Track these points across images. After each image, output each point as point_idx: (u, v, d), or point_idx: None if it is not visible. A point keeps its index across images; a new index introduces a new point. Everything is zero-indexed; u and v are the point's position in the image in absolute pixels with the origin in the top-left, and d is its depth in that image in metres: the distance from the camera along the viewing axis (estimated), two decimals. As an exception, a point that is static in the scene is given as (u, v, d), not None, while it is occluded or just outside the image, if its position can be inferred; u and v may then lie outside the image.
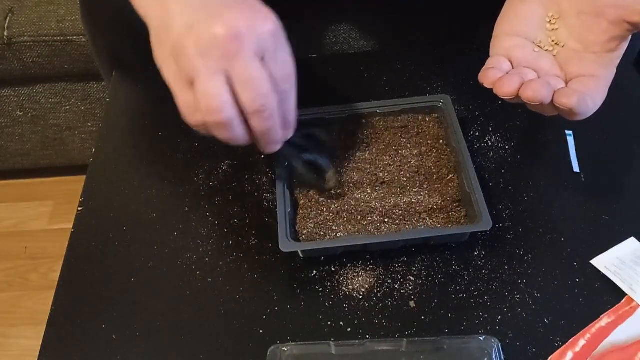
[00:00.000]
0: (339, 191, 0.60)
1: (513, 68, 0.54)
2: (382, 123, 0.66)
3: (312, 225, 0.57)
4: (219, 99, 0.47)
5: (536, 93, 0.49)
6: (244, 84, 0.47)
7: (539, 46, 0.54)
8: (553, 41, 0.54)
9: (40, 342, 0.53)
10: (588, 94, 0.50)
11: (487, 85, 0.52)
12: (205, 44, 0.46)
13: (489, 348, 0.49)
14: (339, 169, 0.61)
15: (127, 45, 0.78)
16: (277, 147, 0.53)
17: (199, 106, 0.48)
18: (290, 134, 0.53)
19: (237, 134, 0.50)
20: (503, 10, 0.56)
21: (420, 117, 0.66)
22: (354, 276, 0.56)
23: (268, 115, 0.49)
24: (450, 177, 0.60)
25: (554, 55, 0.54)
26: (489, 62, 0.54)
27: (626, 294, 0.53)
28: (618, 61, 0.52)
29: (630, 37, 0.52)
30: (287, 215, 0.56)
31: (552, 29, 0.54)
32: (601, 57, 0.52)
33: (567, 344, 0.50)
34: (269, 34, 0.48)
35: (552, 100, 0.49)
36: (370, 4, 0.82)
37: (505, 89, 0.50)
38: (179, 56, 0.48)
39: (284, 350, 0.50)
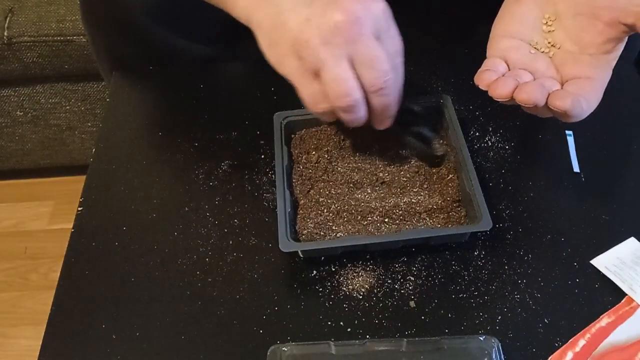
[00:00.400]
0: (339, 191, 0.60)
1: (509, 70, 0.54)
2: (382, 123, 0.65)
3: (312, 225, 0.57)
4: (348, 83, 0.50)
5: (530, 96, 0.49)
6: (367, 64, 0.50)
7: (535, 47, 0.54)
8: (549, 42, 0.54)
9: (40, 342, 0.53)
10: (583, 96, 0.50)
11: (482, 87, 0.52)
12: (327, 33, 0.48)
13: (489, 348, 0.49)
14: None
15: (127, 45, 0.78)
16: (391, 122, 0.56)
17: (328, 93, 0.50)
18: (398, 107, 0.55)
19: (362, 114, 0.52)
20: (500, 12, 0.56)
21: (420, 117, 0.66)
22: (354, 276, 0.56)
23: (389, 91, 0.52)
24: (450, 177, 0.60)
25: (550, 57, 0.54)
26: (485, 64, 0.55)
27: (626, 294, 0.53)
28: (614, 63, 0.52)
29: (626, 39, 0.52)
30: (287, 215, 0.56)
31: (548, 31, 0.55)
32: (597, 59, 0.52)
33: (567, 344, 0.50)
34: (382, 12, 0.50)
35: (546, 103, 0.49)
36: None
37: (500, 92, 0.51)
38: (302, 50, 0.49)
39: (284, 350, 0.50)
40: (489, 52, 0.56)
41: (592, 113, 0.52)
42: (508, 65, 0.54)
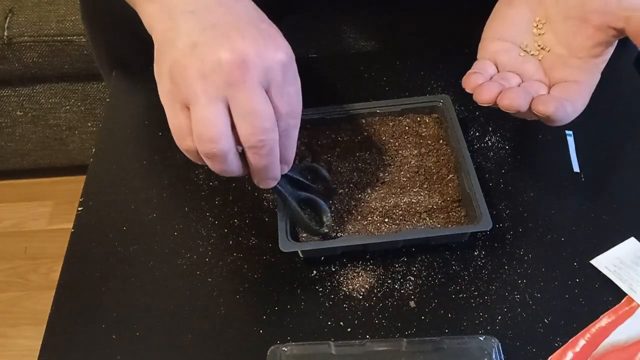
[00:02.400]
0: (340, 191, 0.60)
1: (498, 72, 0.54)
2: (382, 123, 0.66)
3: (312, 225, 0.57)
4: (215, 128, 0.44)
5: (513, 102, 0.49)
6: (244, 115, 0.44)
7: (524, 50, 0.55)
8: (539, 46, 0.55)
9: (40, 342, 0.53)
10: (569, 100, 0.50)
11: (468, 90, 0.52)
12: (207, 67, 0.43)
13: (489, 348, 0.49)
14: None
15: (127, 45, 0.78)
16: (273, 184, 0.51)
17: (193, 132, 0.45)
18: (286, 169, 0.50)
19: (232, 168, 0.47)
20: (492, 14, 0.57)
21: (420, 117, 0.66)
22: (354, 276, 0.56)
23: (267, 151, 0.46)
24: (450, 177, 0.60)
25: (540, 60, 0.54)
26: (474, 66, 0.55)
27: (626, 294, 0.53)
28: (603, 66, 0.53)
29: (615, 43, 0.52)
30: (287, 215, 0.56)
31: (539, 34, 0.55)
32: (586, 63, 0.52)
33: (567, 344, 0.50)
34: (279, 64, 0.45)
35: (530, 108, 0.50)
36: (370, 4, 0.82)
37: (484, 97, 0.50)
38: (177, 76, 0.44)
39: (284, 350, 0.50)
40: (480, 54, 0.56)
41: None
42: (497, 68, 0.54)
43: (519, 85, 0.53)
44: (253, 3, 0.49)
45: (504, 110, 0.50)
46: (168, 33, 0.46)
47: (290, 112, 0.46)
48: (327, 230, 0.55)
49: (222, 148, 0.45)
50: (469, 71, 0.54)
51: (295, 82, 0.47)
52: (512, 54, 0.55)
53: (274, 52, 0.45)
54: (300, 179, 0.56)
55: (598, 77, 0.53)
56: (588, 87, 0.52)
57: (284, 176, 0.52)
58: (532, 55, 0.54)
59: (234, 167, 0.47)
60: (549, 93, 0.52)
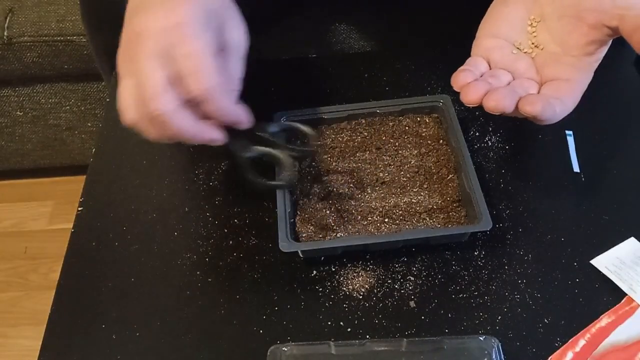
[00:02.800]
0: (340, 191, 0.60)
1: (490, 69, 0.54)
2: (382, 123, 0.66)
3: (312, 225, 0.57)
4: (125, 101, 0.47)
5: (498, 103, 0.49)
6: (137, 84, 0.46)
7: (518, 48, 0.55)
8: (533, 44, 0.55)
9: (40, 342, 0.53)
10: (558, 99, 0.50)
11: (455, 89, 0.52)
12: (121, 48, 0.48)
13: (489, 348, 0.49)
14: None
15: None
16: (216, 141, 0.50)
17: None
18: (244, 125, 0.50)
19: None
20: (487, 12, 0.57)
21: (420, 117, 0.66)
22: (354, 276, 0.56)
23: (166, 118, 0.46)
24: (450, 177, 0.60)
25: (533, 58, 0.54)
26: (466, 63, 0.55)
27: (626, 294, 0.53)
28: (595, 65, 0.53)
29: (609, 42, 0.52)
30: (287, 215, 0.56)
31: (533, 32, 0.55)
32: (579, 61, 0.52)
33: (567, 344, 0.50)
34: (171, 27, 0.45)
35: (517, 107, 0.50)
36: (370, 4, 0.82)
37: (470, 97, 0.50)
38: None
39: (284, 350, 0.50)
40: (473, 51, 0.56)
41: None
42: (490, 65, 0.54)
43: (508, 84, 0.53)
44: None
45: (490, 112, 0.50)
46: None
47: (197, 73, 0.45)
48: (283, 183, 0.54)
49: (132, 118, 0.48)
50: (460, 68, 0.54)
51: (198, 39, 0.45)
52: (505, 51, 0.54)
53: (165, 18, 0.45)
54: (265, 135, 0.54)
55: (590, 76, 0.53)
56: (580, 85, 0.52)
57: (243, 133, 0.51)
58: (525, 53, 0.54)
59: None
60: (539, 92, 0.52)
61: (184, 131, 0.47)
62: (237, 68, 0.50)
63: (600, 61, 0.53)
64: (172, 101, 0.45)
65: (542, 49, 0.54)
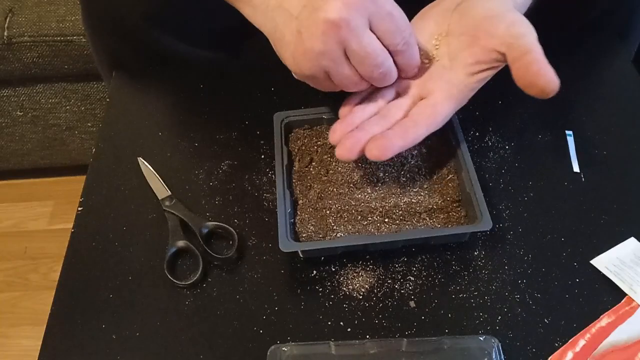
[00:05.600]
0: (340, 191, 0.60)
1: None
2: (382, 123, 0.66)
3: (312, 225, 0.57)
4: (352, 79, 0.54)
5: (341, 154, 0.55)
6: (359, 61, 0.52)
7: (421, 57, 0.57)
8: (432, 56, 0.58)
9: (40, 342, 0.53)
10: (409, 130, 0.55)
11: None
12: (319, 43, 0.51)
13: (489, 348, 0.49)
14: (335, 169, 0.61)
15: (127, 48, 0.78)
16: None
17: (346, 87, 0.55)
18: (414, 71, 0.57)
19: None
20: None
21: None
22: (354, 276, 0.56)
23: (387, 77, 0.54)
24: (450, 177, 0.60)
25: (426, 68, 0.58)
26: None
27: (626, 294, 0.53)
28: (474, 89, 0.56)
29: (493, 73, 0.55)
30: (287, 215, 0.56)
31: (436, 45, 0.58)
32: (460, 77, 0.55)
33: (567, 344, 0.50)
34: (365, 0, 0.50)
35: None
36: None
37: (330, 139, 0.57)
38: (302, 60, 0.53)
39: (284, 350, 0.50)
40: None
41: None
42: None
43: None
44: None
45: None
46: (275, 34, 0.54)
47: (396, 28, 0.52)
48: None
49: (362, 87, 0.55)
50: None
51: (390, 1, 0.52)
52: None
53: None
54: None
55: (465, 99, 0.57)
56: (447, 106, 0.56)
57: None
58: (422, 62, 0.57)
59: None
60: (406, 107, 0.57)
61: (390, 80, 0.55)
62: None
63: (477, 89, 0.56)
64: (390, 61, 0.53)
65: (437, 61, 0.58)
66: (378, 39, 0.52)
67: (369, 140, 0.54)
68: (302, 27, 0.51)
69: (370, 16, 0.50)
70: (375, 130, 0.55)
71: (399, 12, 0.52)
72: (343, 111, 0.59)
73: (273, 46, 0.55)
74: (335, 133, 0.56)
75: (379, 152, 0.53)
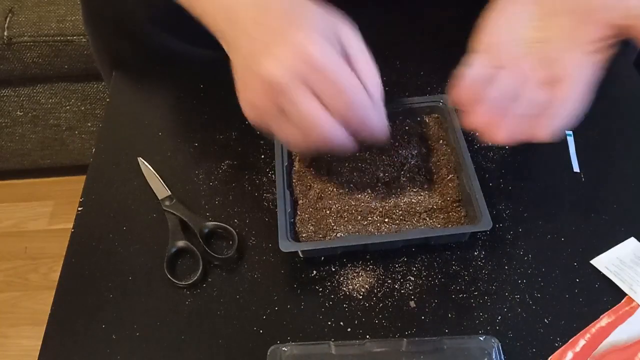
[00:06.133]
0: (340, 191, 0.60)
1: (492, 68, 0.53)
2: (382, 123, 0.65)
3: (312, 225, 0.57)
4: (302, 142, 0.50)
5: (506, 137, 0.50)
6: (301, 128, 0.49)
7: (523, 43, 0.54)
8: (539, 39, 0.53)
9: (40, 342, 0.53)
10: (566, 104, 0.50)
11: (456, 105, 0.52)
12: (258, 100, 0.49)
13: (489, 348, 0.49)
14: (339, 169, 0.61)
15: (128, 48, 0.78)
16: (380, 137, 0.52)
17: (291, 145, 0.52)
18: (383, 138, 0.52)
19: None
20: (493, 5, 0.56)
21: (420, 117, 0.66)
22: (354, 276, 0.56)
23: (336, 146, 0.50)
24: (450, 177, 0.60)
25: (538, 53, 0.53)
26: (468, 63, 0.54)
27: (626, 294, 0.53)
28: (601, 65, 0.52)
29: (617, 43, 0.52)
30: (287, 215, 0.56)
31: (540, 27, 0.54)
32: (585, 57, 0.52)
33: (567, 344, 0.50)
34: (302, 62, 0.47)
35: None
36: (370, 4, 0.82)
37: (474, 123, 0.51)
38: (246, 113, 0.51)
39: (284, 350, 0.50)
40: (475, 47, 0.55)
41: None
42: (492, 63, 0.53)
43: (514, 91, 0.52)
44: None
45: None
46: (235, 74, 0.52)
47: (337, 92, 0.48)
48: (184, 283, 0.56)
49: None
50: (457, 75, 0.53)
51: (330, 61, 0.47)
52: (510, 48, 0.54)
53: (293, 55, 0.47)
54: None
55: (595, 76, 0.52)
56: (585, 83, 0.51)
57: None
58: (530, 47, 0.53)
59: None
60: (543, 94, 0.52)
61: (339, 146, 0.50)
62: (369, 71, 0.51)
63: (605, 61, 0.52)
64: (332, 122, 0.48)
65: (548, 44, 0.53)
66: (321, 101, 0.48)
67: (524, 122, 0.50)
68: (244, 76, 0.49)
69: (306, 76, 0.47)
70: (524, 112, 0.51)
71: (342, 75, 0.48)
72: (457, 97, 0.53)
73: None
74: (481, 115, 0.51)
75: (550, 131, 0.49)
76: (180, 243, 0.58)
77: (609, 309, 0.52)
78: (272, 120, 0.49)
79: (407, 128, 0.65)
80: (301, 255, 0.57)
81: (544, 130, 0.49)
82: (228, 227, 0.59)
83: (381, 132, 0.52)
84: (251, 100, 0.50)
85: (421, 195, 0.59)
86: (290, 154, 0.63)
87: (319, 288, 0.55)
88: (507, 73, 0.53)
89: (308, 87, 0.47)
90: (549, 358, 0.50)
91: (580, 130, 0.65)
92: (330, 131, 0.49)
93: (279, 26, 0.48)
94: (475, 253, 0.57)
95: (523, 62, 0.53)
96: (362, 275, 0.56)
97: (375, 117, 0.51)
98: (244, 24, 0.50)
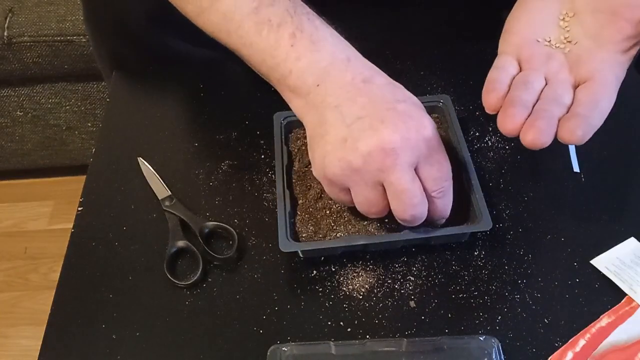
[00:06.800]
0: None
1: (520, 70, 0.53)
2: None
3: (312, 225, 0.57)
4: (372, 209, 0.51)
5: (536, 140, 0.49)
6: (396, 194, 0.49)
7: (550, 44, 0.54)
8: (565, 38, 0.53)
9: (40, 342, 0.53)
10: (596, 106, 0.50)
11: (488, 111, 0.52)
12: (360, 160, 0.48)
13: (489, 348, 0.49)
14: None
15: (128, 48, 0.78)
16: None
17: (361, 211, 0.52)
18: (442, 221, 0.54)
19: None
20: (515, 6, 0.56)
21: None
22: (354, 276, 0.56)
23: (415, 221, 0.51)
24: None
25: (566, 53, 0.53)
26: (496, 63, 0.54)
27: (626, 294, 0.53)
28: (629, 64, 0.52)
29: None
30: (287, 215, 0.56)
31: (565, 27, 0.54)
32: (613, 56, 0.51)
33: (567, 344, 0.50)
34: (423, 141, 0.49)
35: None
36: (370, 4, 0.82)
37: (508, 127, 0.50)
38: (331, 167, 0.50)
39: (284, 350, 0.50)
40: (502, 47, 0.55)
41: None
42: (520, 64, 0.53)
43: (542, 90, 0.52)
44: (387, 79, 0.53)
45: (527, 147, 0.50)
46: (317, 129, 0.52)
47: (440, 176, 0.51)
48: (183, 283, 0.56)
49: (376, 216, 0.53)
50: (488, 79, 0.53)
51: (440, 149, 0.51)
52: (536, 48, 0.54)
53: (416, 132, 0.49)
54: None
55: (624, 73, 0.52)
56: (614, 83, 0.51)
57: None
58: (557, 48, 0.53)
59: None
60: (574, 96, 0.51)
61: (421, 220, 0.52)
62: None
63: (632, 59, 0.52)
64: (426, 204, 0.51)
65: (575, 44, 0.53)
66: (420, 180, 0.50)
67: (560, 120, 0.49)
68: (351, 137, 0.49)
69: (420, 158, 0.49)
70: (555, 114, 0.50)
71: (446, 162, 0.51)
72: (490, 102, 0.52)
73: (307, 137, 0.54)
74: (515, 118, 0.50)
75: (582, 133, 0.49)
76: (180, 243, 0.58)
77: (609, 309, 0.52)
78: (361, 182, 0.50)
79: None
80: (301, 255, 0.57)
81: (575, 132, 0.49)
82: (228, 227, 0.59)
83: (447, 216, 0.54)
84: (350, 159, 0.49)
85: (421, 195, 0.59)
86: (290, 154, 0.63)
87: (319, 288, 0.55)
88: (536, 74, 0.52)
89: (415, 163, 0.49)
90: (549, 358, 0.50)
91: (580, 130, 0.65)
92: (421, 210, 0.50)
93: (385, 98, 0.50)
94: (475, 253, 0.57)
95: (551, 62, 0.53)
96: (362, 275, 0.56)
97: (450, 205, 0.53)
98: (348, 89, 0.51)
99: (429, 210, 0.51)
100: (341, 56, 0.52)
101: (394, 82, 0.53)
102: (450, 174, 0.52)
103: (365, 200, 0.51)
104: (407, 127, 0.49)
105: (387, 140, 0.48)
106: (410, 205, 0.49)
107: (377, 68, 0.54)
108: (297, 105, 0.54)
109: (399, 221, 0.52)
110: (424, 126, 0.50)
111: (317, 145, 0.52)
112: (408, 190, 0.49)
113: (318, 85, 0.51)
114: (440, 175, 0.51)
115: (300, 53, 0.52)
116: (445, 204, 0.52)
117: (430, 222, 0.54)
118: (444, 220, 0.54)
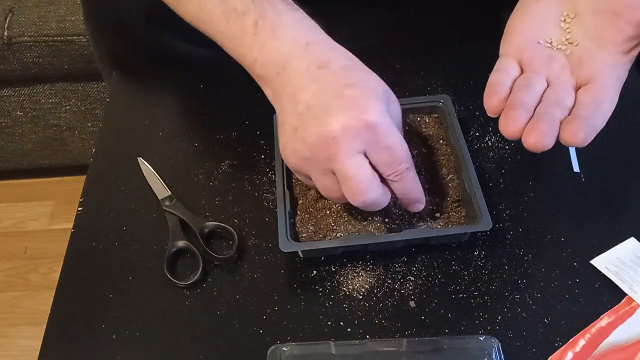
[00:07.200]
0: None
1: (522, 72, 0.53)
2: (382, 123, 0.65)
3: (312, 225, 0.57)
4: (334, 193, 0.52)
5: (538, 142, 0.48)
6: (344, 182, 0.50)
7: (551, 45, 0.54)
8: (567, 40, 0.53)
9: (40, 342, 0.53)
10: (597, 107, 0.50)
11: (490, 114, 0.52)
12: (307, 150, 0.50)
13: (489, 348, 0.49)
14: None
15: (128, 48, 0.78)
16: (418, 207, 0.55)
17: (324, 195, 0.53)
18: (421, 206, 0.55)
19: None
20: (516, 8, 0.56)
21: (420, 117, 0.66)
22: (354, 276, 0.56)
23: (371, 206, 0.51)
24: (450, 177, 0.60)
25: (567, 55, 0.53)
26: (497, 66, 0.54)
27: (626, 294, 0.53)
28: (630, 65, 0.52)
29: None
30: (287, 215, 0.56)
31: (566, 28, 0.54)
32: (615, 57, 0.51)
33: (567, 344, 0.50)
34: (365, 127, 0.48)
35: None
36: (370, 3, 0.82)
37: (510, 130, 0.50)
38: (290, 156, 0.52)
39: (284, 350, 0.50)
40: (503, 50, 0.55)
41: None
42: (522, 66, 0.53)
43: (543, 92, 0.52)
44: (344, 62, 0.53)
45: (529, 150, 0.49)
46: (280, 117, 0.53)
47: (392, 160, 0.50)
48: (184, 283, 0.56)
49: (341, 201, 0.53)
50: (490, 82, 0.53)
51: (390, 132, 0.50)
52: (538, 50, 0.54)
53: (357, 119, 0.48)
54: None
55: (626, 74, 0.52)
56: (616, 84, 0.51)
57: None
58: (558, 49, 0.53)
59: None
60: (575, 98, 0.51)
61: (383, 204, 0.52)
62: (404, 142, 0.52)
63: (633, 61, 0.52)
64: (379, 188, 0.50)
65: (576, 45, 0.53)
66: (373, 166, 0.50)
67: (562, 123, 0.49)
68: (301, 127, 0.50)
69: (366, 144, 0.49)
70: (557, 116, 0.50)
71: (400, 145, 0.50)
72: (492, 105, 0.52)
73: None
74: (517, 120, 0.49)
75: (584, 135, 0.48)
76: (180, 243, 0.58)
77: (609, 309, 0.52)
78: (315, 170, 0.51)
79: (407, 128, 0.65)
80: (301, 255, 0.57)
81: (577, 134, 0.48)
82: (228, 227, 0.59)
83: (420, 201, 0.54)
84: (300, 149, 0.50)
85: (421, 195, 0.59)
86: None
87: (319, 288, 0.55)
88: (538, 77, 0.52)
89: (362, 150, 0.49)
90: (549, 358, 0.50)
91: (580, 130, 0.65)
92: (373, 195, 0.50)
93: (342, 84, 0.50)
94: (475, 253, 0.57)
95: (553, 64, 0.53)
96: (362, 275, 0.56)
97: (420, 188, 0.53)
98: (303, 77, 0.51)
99: (394, 195, 0.52)
100: (301, 41, 0.52)
101: (354, 64, 0.53)
102: (407, 157, 0.51)
103: (323, 187, 0.52)
104: (349, 114, 0.49)
105: (328, 130, 0.48)
106: (357, 191, 0.49)
107: (340, 49, 0.54)
108: (268, 94, 0.55)
109: (355, 205, 0.52)
110: (368, 112, 0.49)
111: (280, 134, 0.53)
112: (354, 177, 0.49)
113: (278, 74, 0.52)
114: (391, 160, 0.50)
115: (262, 41, 0.52)
116: (406, 187, 0.52)
117: (406, 207, 0.55)
118: (421, 206, 0.54)
